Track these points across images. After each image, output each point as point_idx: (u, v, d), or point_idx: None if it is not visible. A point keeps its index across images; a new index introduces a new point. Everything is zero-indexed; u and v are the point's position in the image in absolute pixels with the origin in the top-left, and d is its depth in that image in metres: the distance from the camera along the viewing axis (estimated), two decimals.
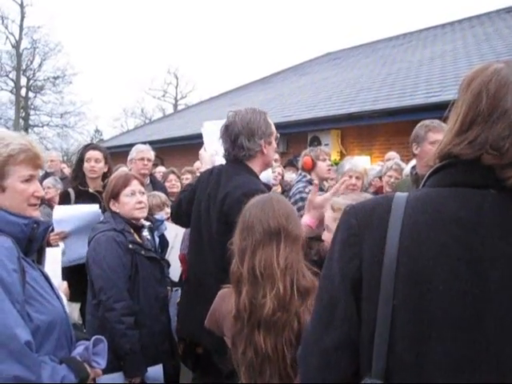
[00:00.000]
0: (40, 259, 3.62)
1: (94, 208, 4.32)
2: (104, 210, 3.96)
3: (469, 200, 1.22)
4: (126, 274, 3.36)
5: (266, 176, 4.24)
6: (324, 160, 5.65)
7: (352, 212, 1.35)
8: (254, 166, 3.25)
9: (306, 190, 5.27)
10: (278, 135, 3.42)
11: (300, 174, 5.75)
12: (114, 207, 3.58)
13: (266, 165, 3.37)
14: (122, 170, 5.21)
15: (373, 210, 1.32)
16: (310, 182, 5.39)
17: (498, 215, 1.20)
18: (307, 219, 3.02)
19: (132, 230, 3.56)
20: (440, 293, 1.17)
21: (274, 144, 3.35)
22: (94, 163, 4.85)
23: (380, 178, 5.76)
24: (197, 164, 8.10)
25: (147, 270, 3.48)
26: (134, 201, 3.58)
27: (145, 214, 3.71)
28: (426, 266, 1.19)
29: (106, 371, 3.19)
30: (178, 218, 3.66)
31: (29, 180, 2.13)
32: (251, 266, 2.26)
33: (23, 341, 1.82)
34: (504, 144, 1.20)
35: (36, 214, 2.21)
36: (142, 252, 3.49)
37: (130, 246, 3.43)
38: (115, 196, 3.58)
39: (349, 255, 1.30)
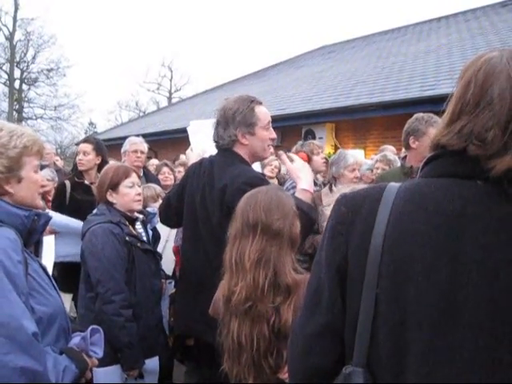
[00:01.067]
0: (37, 251, 3.63)
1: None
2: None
3: (454, 191, 1.22)
4: (124, 266, 3.34)
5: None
6: (318, 154, 5.66)
7: (343, 200, 1.36)
8: (243, 155, 3.19)
9: None
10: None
11: None
12: (110, 198, 3.51)
13: (254, 156, 3.24)
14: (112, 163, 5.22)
15: (363, 199, 1.32)
16: None
17: (482, 206, 1.19)
18: (302, 187, 3.04)
19: (127, 223, 3.54)
20: (419, 282, 1.18)
21: (262, 134, 3.19)
22: (82, 156, 4.89)
23: (372, 170, 5.76)
24: (183, 157, 8.06)
25: (143, 263, 3.46)
26: (133, 192, 3.57)
27: (141, 206, 3.71)
28: (407, 255, 1.20)
29: (102, 364, 3.19)
30: (166, 218, 3.60)
31: (37, 170, 2.20)
32: (230, 255, 2.34)
33: (30, 332, 1.83)
34: (488, 135, 1.20)
35: (41, 203, 2.30)
36: (138, 244, 3.47)
37: (127, 238, 3.40)
38: (114, 186, 3.52)
39: (336, 243, 1.31)
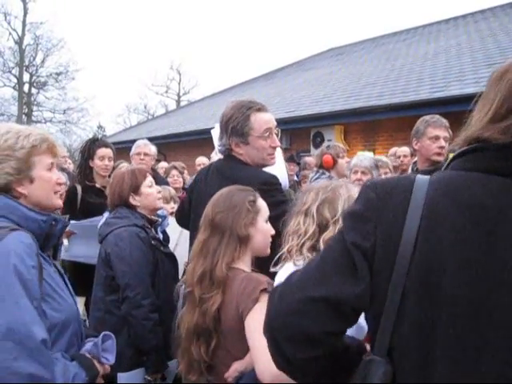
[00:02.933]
0: (55, 255, 3.62)
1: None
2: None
3: (493, 187, 1.20)
4: (150, 270, 3.33)
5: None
6: (343, 157, 5.62)
7: (372, 186, 1.33)
8: (244, 160, 3.13)
9: None
10: (277, 131, 3.19)
11: (318, 172, 5.62)
12: (133, 201, 3.47)
13: (254, 163, 3.14)
14: (123, 165, 5.20)
15: (394, 188, 1.30)
16: (331, 179, 5.31)
17: None
18: None
19: (150, 226, 3.54)
20: (452, 279, 1.16)
21: (258, 143, 3.08)
22: (108, 162, 4.84)
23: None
24: (199, 159, 8.11)
25: (166, 266, 3.47)
26: (155, 191, 3.60)
27: (162, 204, 3.77)
28: (441, 250, 1.18)
29: (126, 368, 3.21)
30: (181, 222, 3.62)
31: (50, 168, 2.19)
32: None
33: (40, 339, 1.82)
34: None
35: (60, 202, 2.29)
36: (162, 248, 3.48)
37: (153, 242, 3.40)
38: (136, 189, 3.48)
39: (365, 229, 1.27)
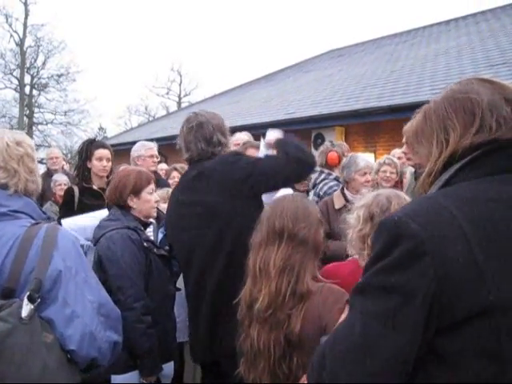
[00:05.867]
0: None
1: (104, 213, 4.22)
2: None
3: None
4: (142, 272, 3.32)
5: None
6: (347, 156, 5.56)
7: (410, 217, 1.22)
8: None
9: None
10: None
11: (322, 172, 5.54)
12: (131, 202, 3.47)
13: None
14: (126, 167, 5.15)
15: (429, 213, 1.22)
16: (338, 180, 5.27)
17: None
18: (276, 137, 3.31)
19: (142, 228, 3.52)
20: None
21: None
22: (106, 163, 4.79)
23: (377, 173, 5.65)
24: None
25: (160, 268, 3.45)
26: (153, 199, 3.58)
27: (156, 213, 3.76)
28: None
29: (120, 371, 3.20)
30: None
31: None
32: (254, 261, 2.35)
33: (119, 312, 2.21)
34: None
35: None
36: (155, 250, 3.46)
37: (145, 244, 3.38)
38: (137, 192, 3.47)
39: (421, 266, 1.16)
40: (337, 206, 4.63)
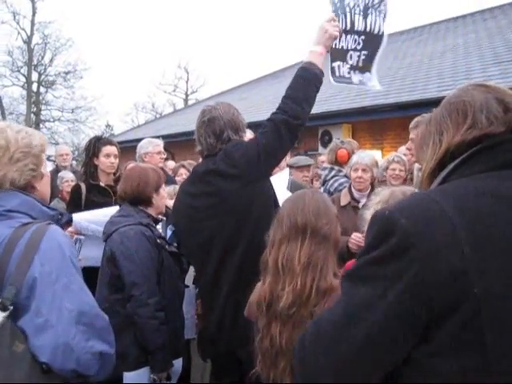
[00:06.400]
0: None
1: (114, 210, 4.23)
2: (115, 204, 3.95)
3: None
4: (156, 269, 3.33)
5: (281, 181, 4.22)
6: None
7: (400, 212, 1.25)
8: None
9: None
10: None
11: (333, 169, 5.55)
12: (154, 199, 3.55)
13: None
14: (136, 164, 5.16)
15: (419, 208, 1.24)
16: (347, 177, 5.26)
17: None
18: (317, 50, 3.29)
19: (154, 224, 3.55)
20: None
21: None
22: (114, 159, 4.80)
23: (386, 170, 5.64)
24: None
25: (171, 265, 3.47)
26: (166, 196, 3.67)
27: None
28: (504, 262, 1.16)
29: (131, 367, 3.24)
30: None
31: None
32: (275, 258, 2.30)
33: (107, 319, 2.03)
34: None
35: None
36: (166, 247, 3.48)
37: (158, 240, 3.40)
38: (157, 188, 3.55)
39: (406, 260, 1.19)
40: (342, 203, 4.65)
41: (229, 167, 2.96)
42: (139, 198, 3.50)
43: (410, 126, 4.06)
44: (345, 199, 4.70)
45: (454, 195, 1.24)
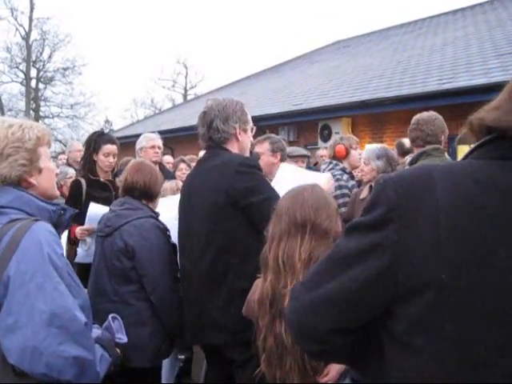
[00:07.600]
0: None
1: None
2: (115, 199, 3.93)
3: None
4: (170, 259, 3.43)
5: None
6: (356, 149, 5.65)
7: (389, 183, 1.25)
8: (233, 151, 3.24)
9: (344, 177, 5.31)
10: (255, 128, 3.42)
11: (330, 163, 5.63)
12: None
13: (242, 153, 3.31)
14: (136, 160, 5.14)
15: (412, 183, 1.23)
16: (344, 171, 5.44)
17: None
18: None
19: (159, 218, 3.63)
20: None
21: (250, 134, 3.37)
22: (112, 159, 4.77)
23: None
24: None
25: (174, 258, 3.51)
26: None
27: None
28: (483, 239, 1.13)
29: (149, 359, 3.34)
30: None
31: (50, 159, 2.23)
32: (276, 255, 2.27)
33: (83, 322, 1.92)
34: None
35: (57, 192, 2.34)
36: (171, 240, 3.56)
37: (168, 232, 3.50)
38: (161, 184, 3.73)
39: (386, 230, 1.20)
40: (361, 196, 4.80)
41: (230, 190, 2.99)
42: (148, 192, 3.54)
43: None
44: (364, 193, 4.82)
45: (452, 176, 1.22)
